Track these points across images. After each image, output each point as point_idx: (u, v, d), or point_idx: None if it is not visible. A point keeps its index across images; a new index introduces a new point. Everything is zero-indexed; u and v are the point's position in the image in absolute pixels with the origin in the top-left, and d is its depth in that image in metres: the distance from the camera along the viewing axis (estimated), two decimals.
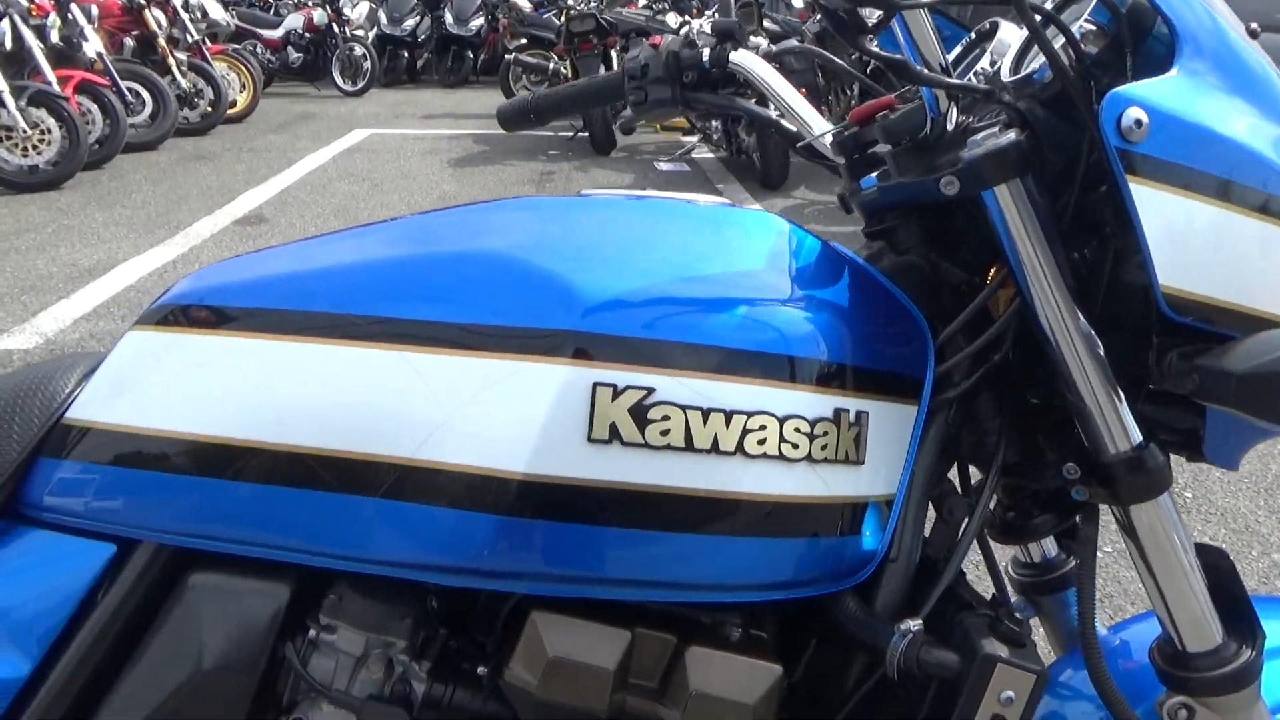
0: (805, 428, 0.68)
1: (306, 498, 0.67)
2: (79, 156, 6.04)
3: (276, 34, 11.90)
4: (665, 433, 0.64)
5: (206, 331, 0.72)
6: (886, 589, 0.74)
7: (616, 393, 0.64)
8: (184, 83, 8.02)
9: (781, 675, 0.70)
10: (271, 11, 12.95)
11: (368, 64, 11.46)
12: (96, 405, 0.73)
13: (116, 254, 4.68)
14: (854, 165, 0.85)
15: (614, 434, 0.64)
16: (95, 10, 7.47)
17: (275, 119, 9.32)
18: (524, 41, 11.60)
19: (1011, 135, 0.71)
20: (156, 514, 0.71)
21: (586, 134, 8.20)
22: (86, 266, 4.47)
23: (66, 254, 4.67)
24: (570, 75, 7.91)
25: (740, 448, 0.66)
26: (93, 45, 7.00)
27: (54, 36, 6.74)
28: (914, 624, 0.70)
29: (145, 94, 7.44)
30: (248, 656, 0.71)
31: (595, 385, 0.65)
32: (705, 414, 0.65)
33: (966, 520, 0.77)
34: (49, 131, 5.98)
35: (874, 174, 0.83)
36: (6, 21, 6.25)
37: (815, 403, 0.68)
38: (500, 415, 0.65)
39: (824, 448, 0.68)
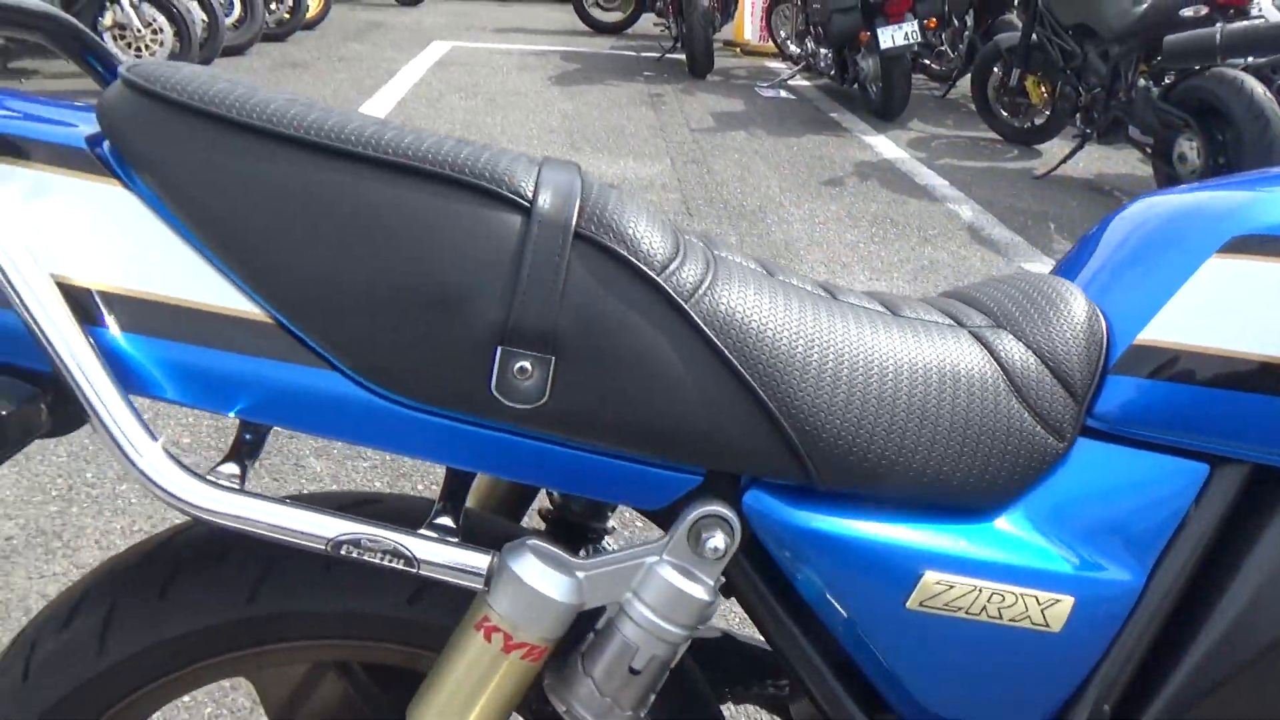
0: None
1: None
2: (192, 57, 5.89)
3: None
4: None
5: None
6: None
7: None
8: None
9: None
10: None
11: None
12: (1182, 329, 0.75)
13: None
14: None
15: None
16: None
17: (348, 28, 9.10)
18: None
19: None
20: (1260, 434, 0.73)
21: (679, 55, 8.07)
22: None
23: None
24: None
25: None
26: None
27: None
28: None
29: None
30: None
31: None
32: None
33: None
34: (160, 30, 5.83)
35: None
36: None
37: None
38: None
39: None
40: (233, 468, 0.66)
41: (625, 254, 0.65)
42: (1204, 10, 4.29)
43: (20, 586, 1.82)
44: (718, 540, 0.70)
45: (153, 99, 0.63)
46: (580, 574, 0.70)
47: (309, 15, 8.61)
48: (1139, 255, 0.84)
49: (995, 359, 0.77)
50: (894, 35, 5.92)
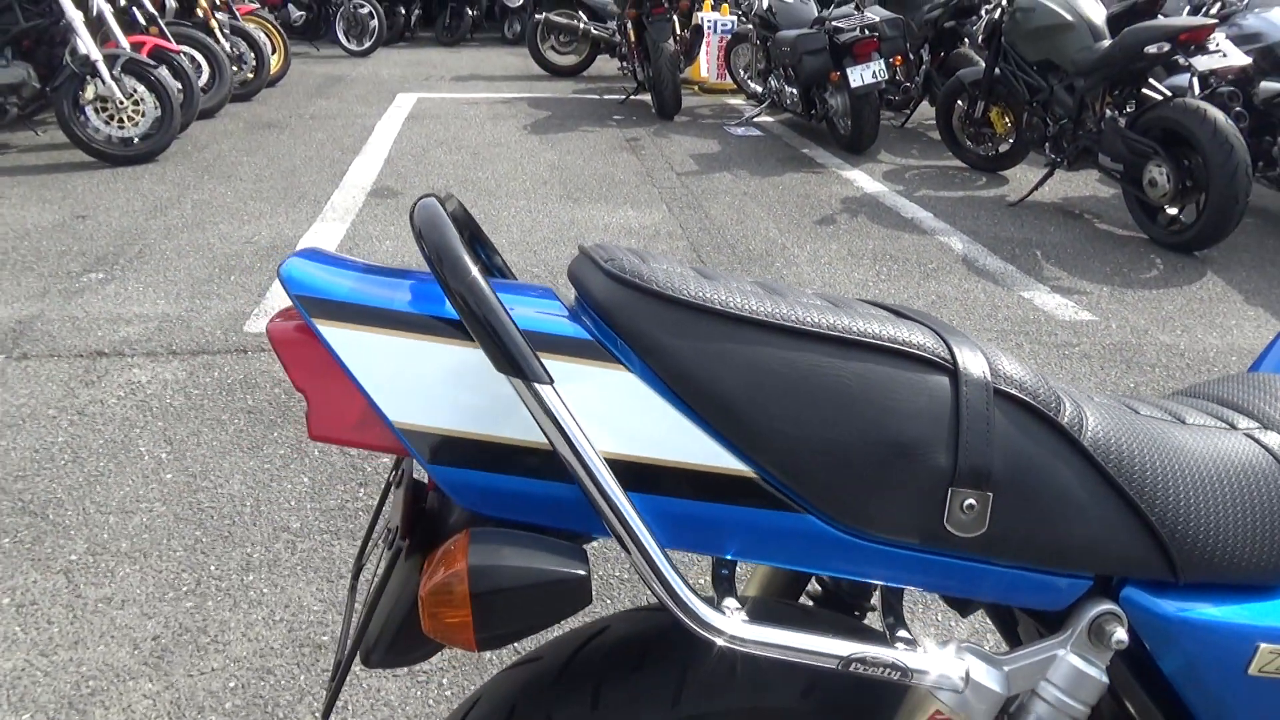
0: None
1: None
2: (174, 127, 5.89)
3: None
4: None
5: None
6: None
7: None
8: (228, 46, 7.80)
9: None
10: None
11: (374, 22, 11.22)
12: None
13: (282, 229, 4.65)
14: None
15: None
16: None
17: (308, 82, 9.13)
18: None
19: None
20: None
21: (643, 96, 8.27)
22: (265, 244, 4.45)
23: (230, 230, 4.62)
24: (634, 39, 7.94)
25: None
26: (148, 8, 6.78)
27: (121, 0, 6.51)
28: None
29: (200, 59, 7.24)
30: None
31: None
32: None
33: None
34: (142, 100, 5.82)
35: None
36: None
37: None
38: None
39: None
40: (733, 601, 0.78)
41: (1034, 403, 0.80)
42: (1166, 47, 4.61)
43: (184, 684, 1.87)
44: (1120, 634, 0.84)
45: (642, 294, 0.75)
46: (1005, 668, 0.84)
47: (271, 72, 8.63)
48: None
49: (1273, 457, 0.92)
50: (863, 74, 6.19)
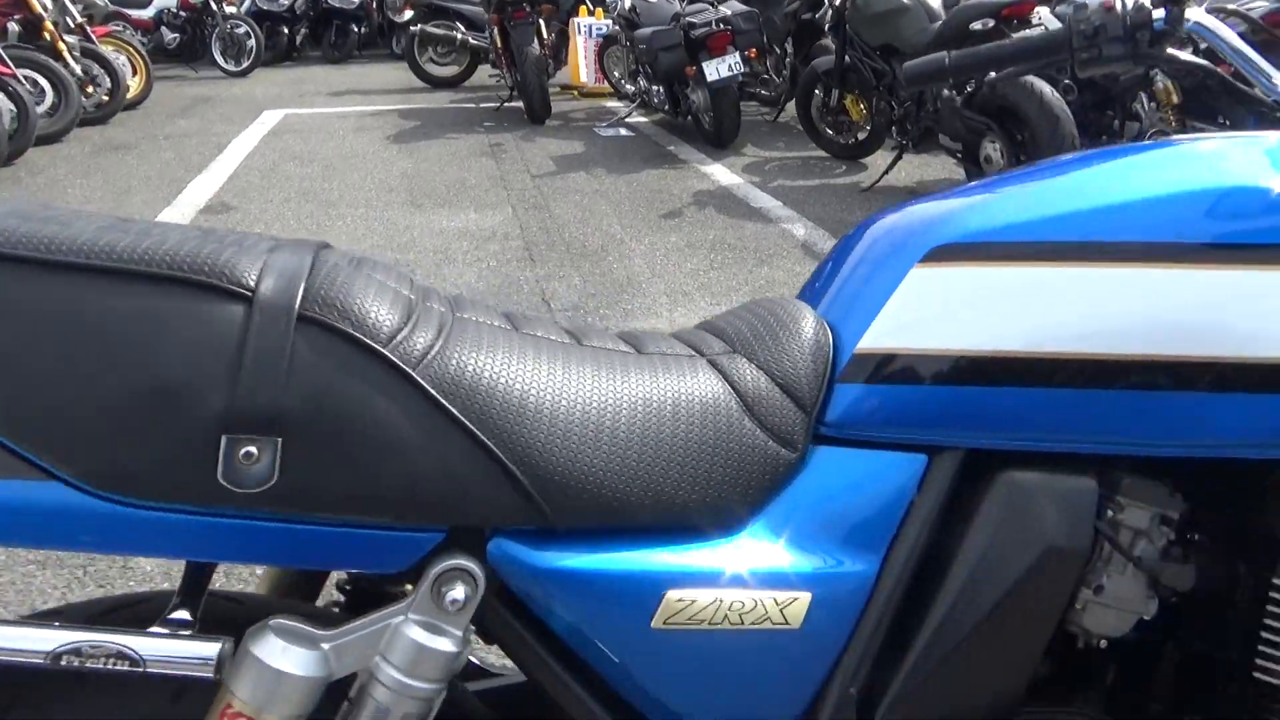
0: None
1: (1127, 396, 0.78)
2: (1, 152, 5.61)
3: (147, 14, 11.21)
4: None
5: (991, 264, 0.81)
6: None
7: None
8: (77, 69, 7.49)
9: None
10: None
11: (251, 42, 10.93)
12: (895, 334, 0.81)
13: None
14: None
15: None
16: None
17: (173, 104, 8.83)
18: (410, 14, 11.33)
19: None
20: (969, 423, 0.80)
21: (515, 103, 8.15)
22: None
23: None
24: (500, 45, 7.81)
25: None
26: None
27: None
28: None
29: (44, 82, 6.94)
30: (1079, 537, 0.81)
31: None
32: None
33: None
34: None
35: None
36: None
37: None
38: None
39: None
40: None
41: (350, 330, 0.67)
42: (991, 23, 4.61)
43: None
44: (458, 592, 0.71)
45: None
46: (326, 645, 0.70)
47: (130, 95, 8.32)
48: (859, 270, 0.91)
49: (729, 383, 0.82)
50: (718, 68, 6.13)
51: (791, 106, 7.98)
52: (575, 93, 9.25)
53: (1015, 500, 0.81)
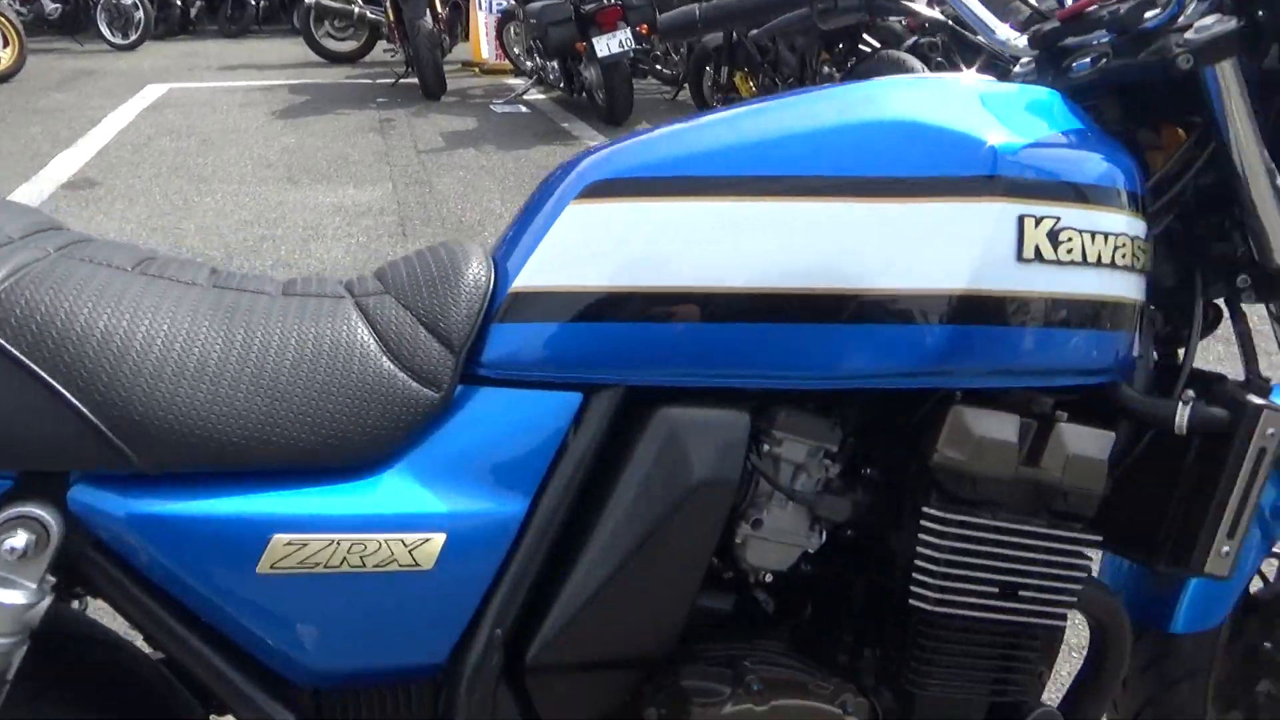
0: (1142, 245, 0.86)
1: (775, 330, 0.77)
2: None
3: None
4: (1070, 251, 0.80)
5: (643, 199, 0.80)
6: (1140, 377, 0.93)
7: (1037, 221, 0.79)
8: None
9: (1113, 438, 0.88)
10: None
11: (139, 14, 10.48)
12: (550, 272, 0.80)
13: None
14: (1048, 59, 1.02)
15: (1037, 254, 0.79)
16: None
17: (50, 77, 8.43)
18: None
19: (1233, 22, 0.90)
20: (624, 360, 0.79)
21: (412, 79, 7.98)
22: None
23: None
24: (393, 18, 7.63)
25: (1113, 261, 0.82)
26: None
27: None
28: (1190, 394, 0.90)
29: None
30: (729, 471, 0.81)
31: (1021, 217, 0.79)
32: (1092, 236, 0.81)
33: (1196, 319, 0.97)
34: None
35: (1085, 59, 1.00)
36: None
37: (1140, 225, 0.86)
38: (939, 247, 0.78)
39: (1143, 260, 0.87)
40: None
41: None
42: None
43: None
44: (17, 540, 0.68)
45: None
46: None
47: (2, 68, 7.92)
48: (528, 211, 0.89)
49: (370, 323, 0.79)
50: (609, 44, 6.08)
51: None
52: (476, 69, 9.11)
53: (668, 436, 0.80)
